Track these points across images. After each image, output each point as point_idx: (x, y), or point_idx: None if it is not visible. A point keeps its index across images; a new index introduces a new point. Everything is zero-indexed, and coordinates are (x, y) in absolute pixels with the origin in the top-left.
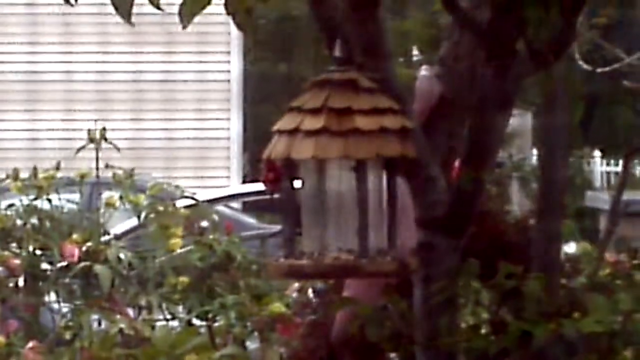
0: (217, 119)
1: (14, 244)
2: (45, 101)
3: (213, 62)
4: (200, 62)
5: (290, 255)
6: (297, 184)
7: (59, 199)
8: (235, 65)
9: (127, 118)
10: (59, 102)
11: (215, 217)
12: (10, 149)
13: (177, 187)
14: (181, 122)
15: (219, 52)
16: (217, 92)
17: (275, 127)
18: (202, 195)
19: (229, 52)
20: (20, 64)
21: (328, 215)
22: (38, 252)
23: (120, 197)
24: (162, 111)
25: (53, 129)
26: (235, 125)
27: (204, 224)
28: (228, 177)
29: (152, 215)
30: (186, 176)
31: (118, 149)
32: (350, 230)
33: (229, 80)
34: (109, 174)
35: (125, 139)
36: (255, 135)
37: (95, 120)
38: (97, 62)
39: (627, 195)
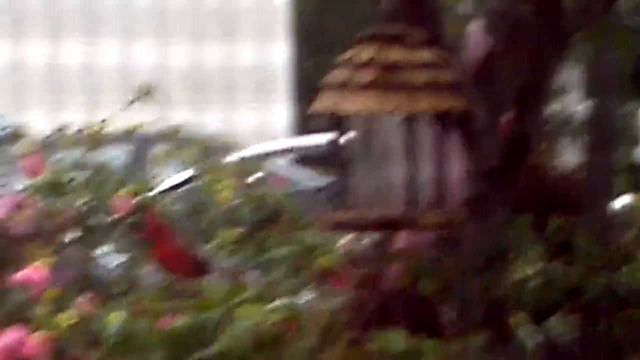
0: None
1: (65, 198)
2: (104, 22)
3: None
4: None
5: (339, 208)
6: (347, 137)
7: (110, 152)
8: None
9: (186, 41)
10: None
11: (266, 170)
12: (32, 68)
13: (228, 140)
14: (240, 52)
15: None
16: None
17: (325, 81)
18: (253, 148)
19: None
20: None
21: (377, 167)
22: (89, 205)
23: (171, 151)
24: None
25: (110, 52)
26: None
27: (255, 177)
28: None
29: (202, 169)
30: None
31: (170, 100)
32: (400, 183)
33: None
34: (159, 127)
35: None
36: (305, 89)
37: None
38: None
39: None
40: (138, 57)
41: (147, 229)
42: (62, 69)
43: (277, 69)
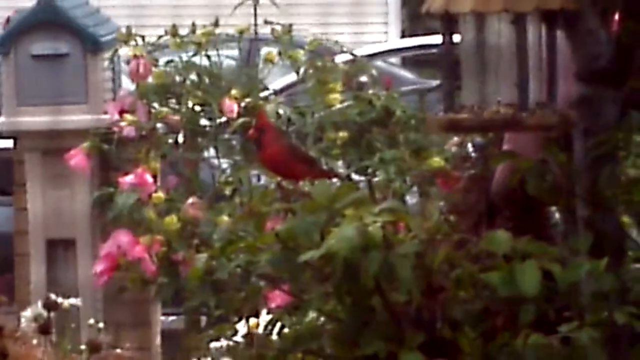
0: None
1: (173, 100)
2: None
3: None
4: None
5: (449, 109)
6: (457, 38)
7: (218, 55)
8: None
9: None
10: None
11: (374, 72)
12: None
13: (336, 42)
14: None
15: None
16: None
17: None
18: (361, 50)
19: None
20: None
21: (488, 69)
22: (197, 108)
23: (279, 53)
24: None
25: None
26: None
27: (363, 79)
28: (386, 32)
29: (310, 71)
30: (342, 32)
31: (276, 5)
32: (510, 84)
33: None
34: (267, 29)
35: None
36: None
37: None
38: None
39: None
40: None
41: (256, 130)
42: None
43: None
